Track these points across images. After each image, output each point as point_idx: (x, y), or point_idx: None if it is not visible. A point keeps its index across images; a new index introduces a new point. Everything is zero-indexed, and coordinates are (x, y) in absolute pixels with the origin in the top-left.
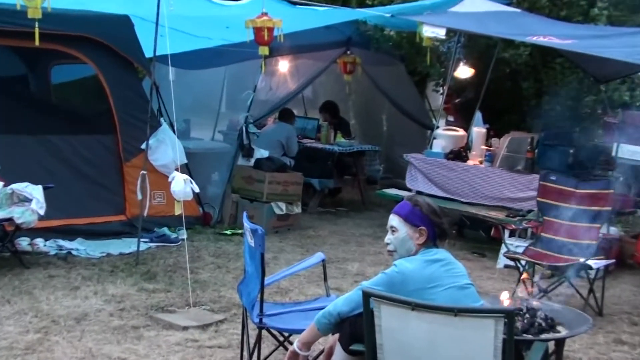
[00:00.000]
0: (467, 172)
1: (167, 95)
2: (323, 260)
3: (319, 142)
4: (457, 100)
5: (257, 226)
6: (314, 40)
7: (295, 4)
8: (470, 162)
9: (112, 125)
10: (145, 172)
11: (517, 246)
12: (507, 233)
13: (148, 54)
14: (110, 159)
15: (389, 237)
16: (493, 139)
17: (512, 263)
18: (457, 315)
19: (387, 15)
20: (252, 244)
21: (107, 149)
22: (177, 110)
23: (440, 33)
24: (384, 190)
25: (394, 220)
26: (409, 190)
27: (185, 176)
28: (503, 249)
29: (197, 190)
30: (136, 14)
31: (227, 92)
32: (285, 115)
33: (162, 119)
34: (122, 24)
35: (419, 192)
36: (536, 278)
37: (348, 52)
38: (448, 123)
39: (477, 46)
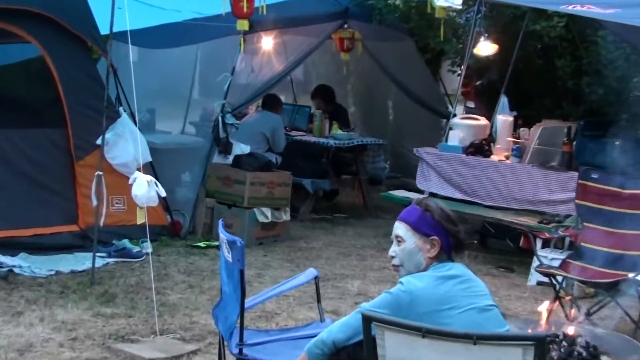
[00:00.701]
0: (491, 170)
1: (128, 79)
2: (316, 278)
3: (311, 134)
4: (477, 83)
5: (235, 237)
6: (304, 11)
7: None
8: (494, 157)
9: (61, 116)
10: (101, 173)
11: (552, 259)
12: (539, 243)
13: (104, 30)
14: (59, 157)
15: (394, 249)
16: (522, 129)
17: (546, 279)
18: (477, 344)
19: None
20: (230, 259)
21: (55, 145)
22: (139, 97)
23: (456, 2)
24: (390, 192)
25: (400, 228)
26: (420, 191)
27: (150, 177)
28: (535, 263)
29: (163, 194)
30: None
31: (199, 76)
32: (270, 103)
33: (121, 109)
34: None
35: (432, 194)
36: (575, 297)
37: (345, 25)
38: (467, 110)
39: (501, 17)
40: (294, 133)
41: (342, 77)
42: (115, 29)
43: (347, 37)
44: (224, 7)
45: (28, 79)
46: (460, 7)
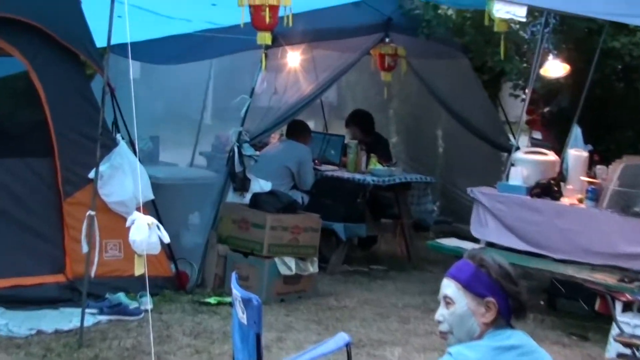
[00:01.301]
0: (561, 216)
1: (127, 101)
2: (348, 344)
3: (345, 169)
4: (545, 110)
5: (251, 295)
6: (338, 22)
7: None
8: (564, 201)
9: (47, 144)
10: (93, 213)
11: (636, 326)
12: (619, 306)
13: (100, 42)
14: (45, 192)
15: (441, 313)
16: (598, 166)
17: (628, 351)
18: None
19: None
20: (244, 320)
21: (41, 178)
22: (140, 122)
23: (519, 13)
24: (438, 240)
25: (449, 287)
26: (475, 240)
27: (151, 219)
28: (614, 330)
29: (167, 240)
30: None
31: (212, 98)
32: (296, 131)
33: (119, 136)
34: (64, 1)
35: (489, 244)
36: None
37: (387, 39)
38: (533, 142)
39: (573, 32)
40: (324, 167)
41: (382, 101)
42: (113, 41)
43: (388, 54)
44: (243, 17)
45: (9, 98)
46: (524, 20)
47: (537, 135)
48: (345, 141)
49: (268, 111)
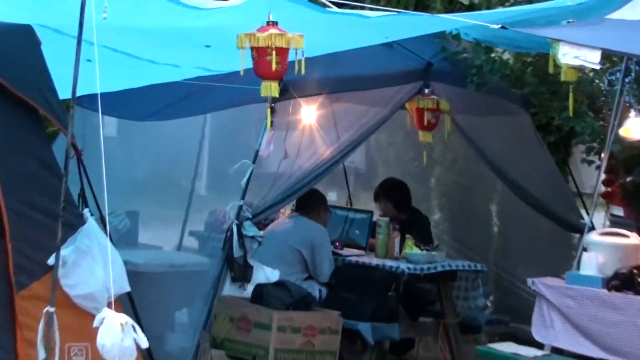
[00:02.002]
0: None
1: (97, 167)
2: None
3: (373, 254)
4: (627, 180)
5: None
6: (364, 69)
7: (325, 5)
8: None
9: None
10: (53, 310)
11: None
12: None
13: (64, 93)
14: None
15: None
16: None
17: None
18: None
19: (495, 26)
20: None
21: None
22: (115, 194)
23: (592, 59)
24: (491, 345)
25: None
26: (539, 345)
27: (125, 317)
28: None
29: (145, 344)
30: (44, 22)
31: (208, 163)
32: (309, 204)
33: (86, 212)
34: (20, 40)
35: (555, 351)
36: None
37: (427, 90)
38: (612, 221)
39: None
40: (346, 252)
41: (421, 167)
42: (81, 91)
43: (428, 108)
44: (243, 62)
45: None
46: (597, 67)
47: (617, 211)
48: (374, 219)
49: (276, 180)
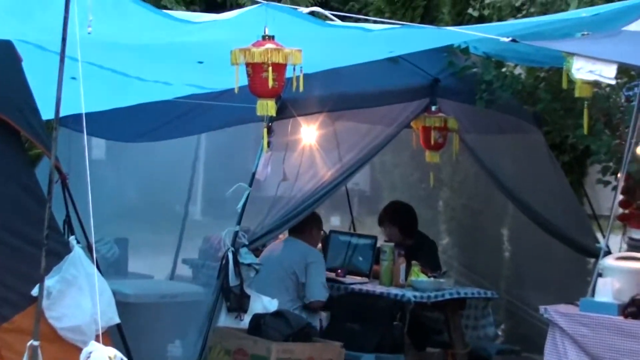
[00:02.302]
0: None
1: (85, 191)
2: None
3: (377, 281)
4: None
5: None
6: (367, 85)
7: (326, 17)
8: None
9: None
10: (37, 343)
11: None
12: None
13: (47, 113)
14: None
15: None
16: None
17: None
18: None
19: (506, 39)
20: None
21: None
22: (103, 220)
23: (607, 74)
24: None
25: None
26: None
27: (113, 351)
28: None
29: None
30: (25, 37)
31: (203, 186)
32: (301, 225)
33: (72, 239)
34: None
35: None
36: None
37: (433, 107)
38: (630, 244)
39: None
40: (349, 279)
41: (428, 189)
42: (66, 111)
43: (435, 127)
44: (237, 79)
45: None
46: (613, 82)
47: (636, 234)
48: (378, 244)
49: (274, 204)
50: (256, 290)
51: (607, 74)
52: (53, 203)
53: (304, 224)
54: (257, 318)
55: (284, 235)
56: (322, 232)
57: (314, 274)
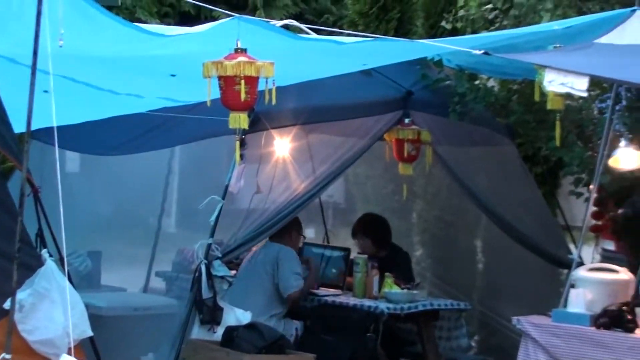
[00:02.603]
0: (636, 354)
1: (55, 205)
2: None
3: (351, 293)
4: (618, 212)
5: None
6: (341, 98)
7: (301, 30)
8: None
9: None
10: (9, 357)
11: None
12: None
13: (19, 126)
14: None
15: None
16: None
17: None
18: None
19: (478, 52)
20: None
21: None
22: (76, 233)
23: (579, 86)
24: None
25: None
26: None
27: None
28: None
29: None
30: None
31: (177, 198)
32: (281, 229)
33: (45, 252)
34: None
35: None
36: None
37: (406, 120)
38: (603, 255)
39: None
40: (322, 292)
41: (401, 202)
42: (37, 124)
43: (409, 139)
44: (209, 92)
45: None
46: (584, 94)
47: (609, 245)
48: (352, 256)
49: (248, 216)
50: (230, 303)
51: (578, 86)
52: (25, 216)
53: (284, 227)
54: (230, 330)
55: (258, 246)
56: (302, 236)
57: (284, 266)
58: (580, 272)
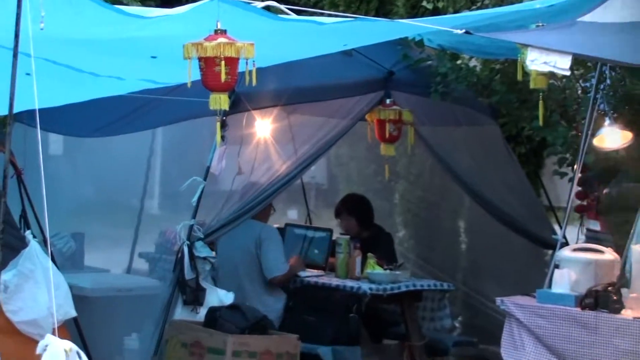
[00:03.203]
0: (622, 334)
1: (38, 187)
2: None
3: (334, 274)
4: (604, 192)
5: None
6: (322, 78)
7: (282, 12)
8: (627, 314)
9: None
10: None
11: None
12: None
13: (1, 109)
14: None
15: None
16: None
17: None
18: None
19: (459, 31)
20: None
21: None
22: (60, 214)
23: (562, 64)
24: None
25: None
26: None
27: (69, 344)
28: None
29: None
30: None
31: (159, 180)
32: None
33: (29, 234)
34: None
35: None
36: None
37: (388, 100)
38: (588, 235)
39: (638, 88)
40: (305, 272)
41: (383, 182)
42: (20, 107)
43: (390, 119)
44: (190, 74)
45: None
46: (568, 73)
47: (594, 225)
48: (334, 237)
49: (230, 197)
50: (212, 284)
51: (561, 64)
52: (9, 198)
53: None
54: (213, 311)
55: None
56: (271, 207)
57: (268, 250)
58: (565, 253)
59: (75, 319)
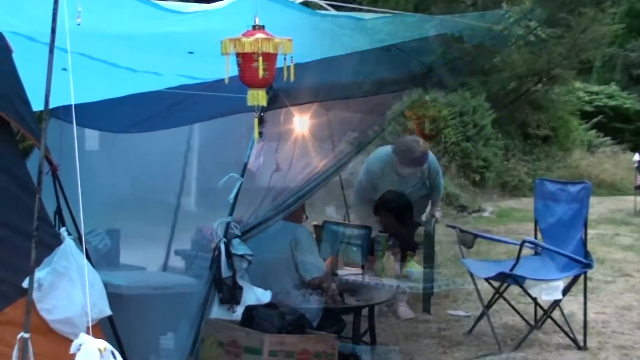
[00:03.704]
0: None
1: (74, 183)
2: None
3: (372, 273)
4: None
5: None
6: (361, 75)
7: (321, 7)
8: None
9: None
10: (27, 335)
11: None
12: None
13: (38, 104)
14: None
15: None
16: None
17: None
18: None
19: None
20: None
21: None
22: (95, 211)
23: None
24: None
25: None
26: None
27: (104, 343)
28: None
29: None
30: (15, 29)
31: (197, 176)
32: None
33: (63, 231)
34: None
35: None
36: None
37: (427, 96)
38: None
39: None
40: (342, 271)
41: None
42: (56, 102)
43: (429, 116)
44: (227, 69)
45: None
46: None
47: None
48: (373, 234)
49: (267, 194)
50: (249, 282)
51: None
52: (44, 194)
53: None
54: (249, 310)
55: None
56: (304, 212)
57: (303, 252)
58: None
59: (110, 318)
